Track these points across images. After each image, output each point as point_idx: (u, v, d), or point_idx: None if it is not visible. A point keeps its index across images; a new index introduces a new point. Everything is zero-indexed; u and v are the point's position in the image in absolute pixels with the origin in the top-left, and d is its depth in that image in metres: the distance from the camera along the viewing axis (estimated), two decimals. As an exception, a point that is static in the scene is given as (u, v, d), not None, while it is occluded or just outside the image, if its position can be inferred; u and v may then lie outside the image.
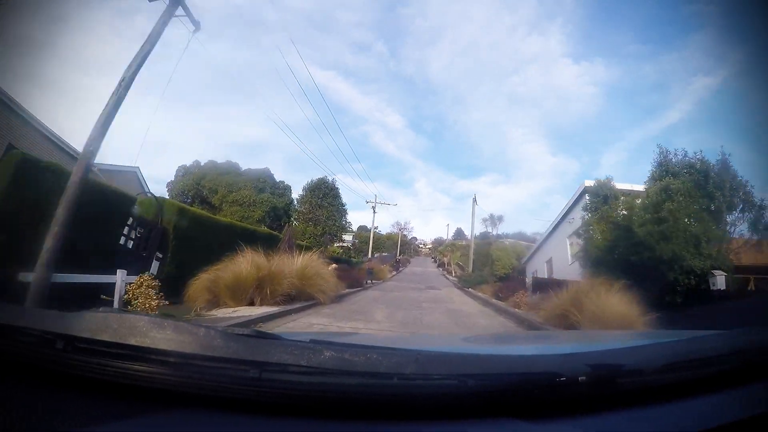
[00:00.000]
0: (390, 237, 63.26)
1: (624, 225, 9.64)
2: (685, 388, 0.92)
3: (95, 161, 6.70)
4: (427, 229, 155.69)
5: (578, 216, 15.29)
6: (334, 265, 17.69)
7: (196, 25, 7.92)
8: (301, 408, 0.76)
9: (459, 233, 69.26)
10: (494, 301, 11.91)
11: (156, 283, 5.28)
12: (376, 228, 46.14)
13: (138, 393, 0.77)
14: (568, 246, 17.45)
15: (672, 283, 8.19)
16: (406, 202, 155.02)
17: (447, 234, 71.42)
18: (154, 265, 8.52)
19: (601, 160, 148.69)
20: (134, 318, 0.86)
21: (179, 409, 0.76)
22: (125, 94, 6.33)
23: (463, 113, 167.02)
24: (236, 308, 6.86)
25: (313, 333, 3.66)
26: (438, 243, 75.53)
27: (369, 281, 17.74)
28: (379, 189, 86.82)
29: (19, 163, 5.87)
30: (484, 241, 36.41)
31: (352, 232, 56.21)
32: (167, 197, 22.73)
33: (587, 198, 13.87)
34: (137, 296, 4.96)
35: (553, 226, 20.34)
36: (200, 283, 7.26)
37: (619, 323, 5.32)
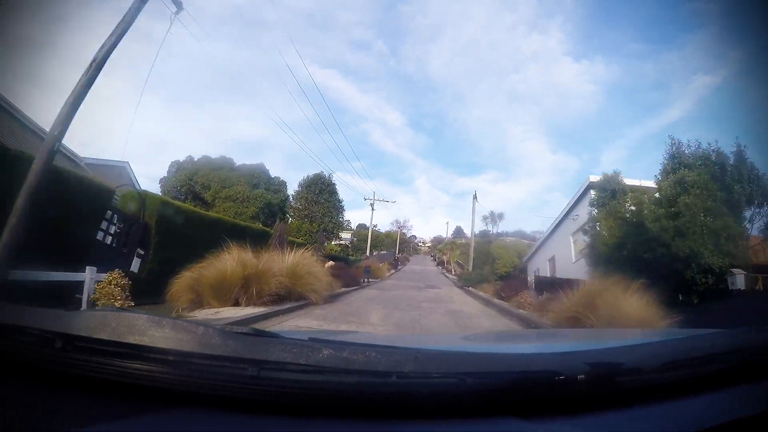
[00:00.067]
0: (389, 235, 62.81)
1: (635, 220, 9.13)
2: (684, 386, 0.92)
3: (88, 156, 6.23)
4: (427, 227, 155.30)
5: (583, 212, 14.83)
6: (331, 263, 17.32)
7: (178, 5, 7.38)
8: (299, 406, 0.76)
9: (458, 231, 69.06)
10: (496, 301, 11.41)
11: (126, 281, 4.73)
12: (375, 226, 45.72)
13: (137, 392, 0.76)
14: (572, 243, 17.03)
15: (689, 283, 7.68)
16: (405, 200, 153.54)
17: (446, 232, 71.16)
18: (135, 262, 8.03)
19: (601, 157, 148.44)
20: (133, 316, 0.86)
21: (178, 408, 0.75)
22: (96, 75, 5.79)
23: (463, 111, 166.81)
24: (219, 309, 6.34)
25: (311, 331, 3.62)
26: (437, 241, 75.05)
27: (366, 280, 17.29)
28: (378, 187, 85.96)
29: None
30: (485, 239, 35.87)
31: (351, 230, 55.74)
32: (160, 193, 22.33)
33: (592, 194, 13.39)
34: (99, 296, 4.40)
35: (556, 223, 19.94)
36: (183, 281, 6.76)
37: (638, 327, 4.81)
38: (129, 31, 6.17)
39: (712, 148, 9.45)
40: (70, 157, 13.23)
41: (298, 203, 31.77)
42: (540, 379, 0.83)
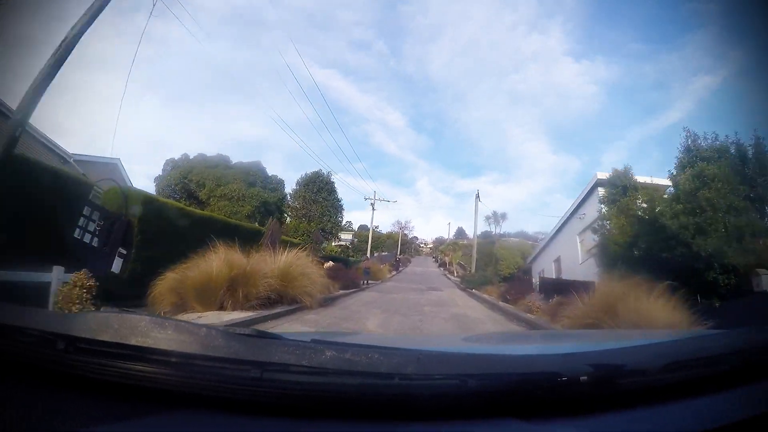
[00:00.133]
0: (390, 236, 62.31)
1: (649, 218, 8.59)
2: (686, 387, 0.90)
3: (78, 153, 5.74)
4: (428, 229, 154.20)
5: (591, 210, 14.31)
6: (330, 264, 16.80)
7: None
8: (302, 408, 0.76)
9: (460, 232, 68.56)
10: (502, 304, 10.85)
11: (92, 283, 4.20)
12: (376, 227, 45.29)
13: (139, 393, 0.76)
14: (579, 243, 16.51)
15: (710, 284, 7.13)
16: (407, 201, 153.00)
17: (448, 233, 70.50)
18: (117, 262, 7.50)
19: (602, 158, 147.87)
20: (135, 318, 0.85)
21: (181, 410, 0.74)
22: (66, 56, 5.28)
23: (463, 111, 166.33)
24: (203, 313, 5.82)
25: (314, 333, 3.60)
26: (439, 242, 74.43)
27: (366, 282, 16.75)
28: (380, 188, 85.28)
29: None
30: (487, 240, 35.31)
31: (352, 231, 55.19)
32: (154, 192, 21.83)
33: (601, 191, 12.86)
34: (57, 300, 3.87)
35: (561, 222, 19.40)
36: (166, 283, 6.26)
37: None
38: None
39: (730, 140, 8.91)
40: (59, 153, 12.74)
41: (296, 202, 31.20)
42: (542, 380, 0.82)
